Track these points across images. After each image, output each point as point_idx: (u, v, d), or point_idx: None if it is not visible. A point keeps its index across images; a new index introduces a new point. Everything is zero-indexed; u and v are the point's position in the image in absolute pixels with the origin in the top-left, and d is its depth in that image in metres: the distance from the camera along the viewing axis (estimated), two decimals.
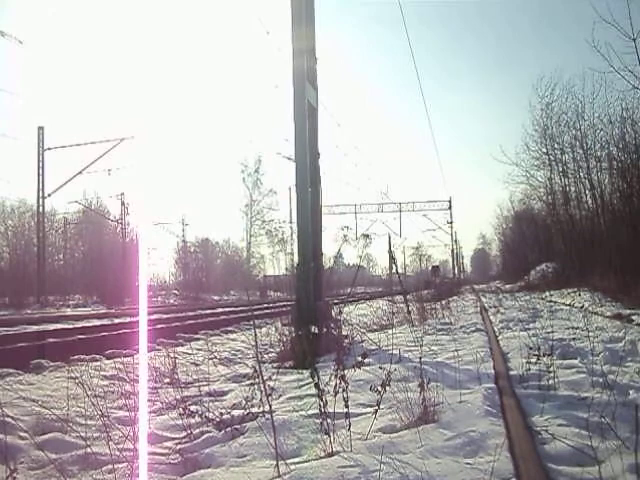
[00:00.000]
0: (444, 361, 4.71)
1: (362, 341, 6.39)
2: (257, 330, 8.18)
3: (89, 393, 3.57)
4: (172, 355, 5.17)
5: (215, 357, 6.05)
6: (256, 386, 2.79)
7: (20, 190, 55.95)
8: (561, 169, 26.41)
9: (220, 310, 17.31)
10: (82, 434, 2.89)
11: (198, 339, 8.47)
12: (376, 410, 2.74)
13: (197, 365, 5.60)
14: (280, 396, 3.80)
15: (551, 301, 15.85)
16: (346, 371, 2.72)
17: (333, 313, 6.32)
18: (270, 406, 2.55)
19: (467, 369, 4.23)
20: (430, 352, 5.40)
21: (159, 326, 9.76)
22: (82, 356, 6.26)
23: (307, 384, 3.96)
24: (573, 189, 25.84)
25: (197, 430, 3.04)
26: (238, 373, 4.91)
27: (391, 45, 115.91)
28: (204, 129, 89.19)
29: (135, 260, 29.87)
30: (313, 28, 6.90)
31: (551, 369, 3.74)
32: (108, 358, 6.19)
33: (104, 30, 69.33)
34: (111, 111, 78.73)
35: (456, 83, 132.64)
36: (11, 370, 5.38)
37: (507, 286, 33.00)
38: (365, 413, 3.12)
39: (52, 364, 5.93)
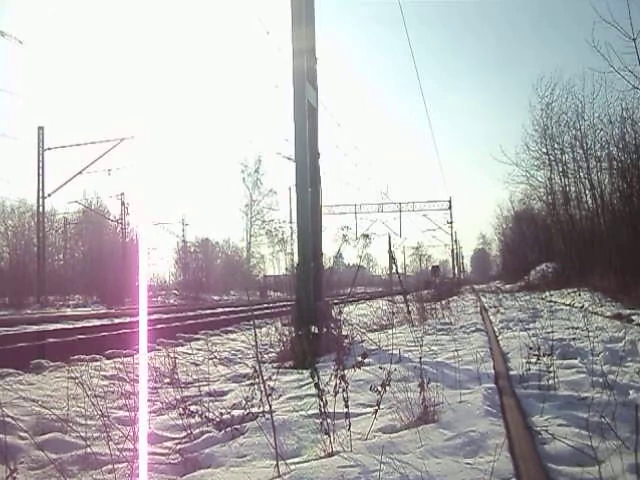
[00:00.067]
0: (444, 361, 4.71)
1: (362, 341, 6.39)
2: (257, 330, 8.18)
3: (89, 393, 3.57)
4: (172, 355, 5.17)
5: (215, 357, 6.05)
6: (256, 386, 2.79)
7: (20, 190, 56.03)
8: (561, 169, 26.44)
9: (220, 310, 17.31)
10: (82, 434, 2.89)
11: (198, 339, 8.47)
12: (376, 410, 2.74)
13: (197, 365, 5.60)
14: (280, 396, 3.80)
15: (551, 301, 15.85)
16: (346, 371, 2.72)
17: (333, 313, 6.32)
18: (270, 406, 2.55)
19: (467, 369, 4.23)
20: (430, 352, 5.40)
21: (159, 326, 9.76)
22: (82, 356, 6.26)
23: (307, 384, 3.96)
24: (573, 189, 25.89)
25: (197, 430, 3.04)
26: (238, 373, 4.92)
27: (391, 45, 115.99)
28: (204, 129, 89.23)
29: (135, 260, 29.88)
30: (313, 28, 6.90)
31: (551, 369, 3.74)
32: (108, 358, 6.19)
33: (104, 30, 69.38)
34: (111, 111, 78.79)
35: (456, 83, 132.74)
36: (11, 370, 5.38)
37: (507, 286, 33.00)
38: (365, 413, 3.12)
39: (52, 364, 5.93)
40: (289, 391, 3.98)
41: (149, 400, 3.84)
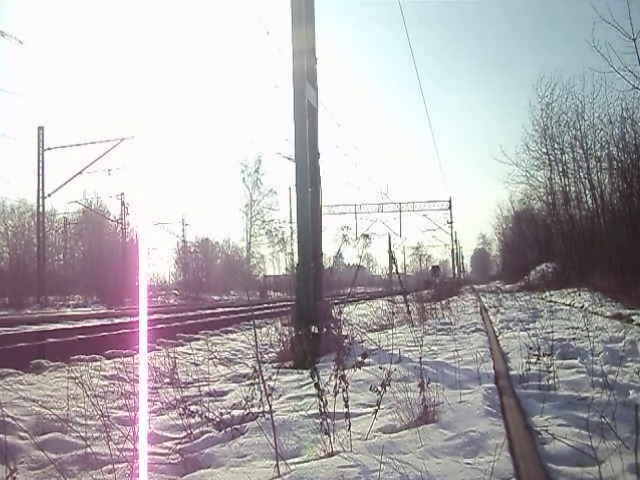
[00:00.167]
0: (444, 361, 4.71)
1: (362, 341, 6.38)
2: (257, 330, 8.18)
3: (89, 393, 3.57)
4: (172, 355, 5.17)
5: (215, 357, 6.05)
6: (256, 386, 2.79)
7: (20, 190, 56.02)
8: (561, 169, 26.45)
9: (220, 310, 17.31)
10: (82, 434, 2.89)
11: (198, 339, 8.47)
12: (376, 410, 2.74)
13: (197, 365, 5.59)
14: (280, 396, 3.80)
15: (551, 301, 15.85)
16: (346, 371, 2.72)
17: (333, 313, 6.32)
18: (270, 406, 2.55)
19: (467, 369, 4.23)
20: (430, 352, 5.40)
21: (159, 326, 9.76)
22: (82, 356, 6.26)
23: (307, 384, 3.97)
24: (573, 189, 25.90)
25: (197, 430, 3.04)
26: (238, 373, 4.91)
27: (391, 45, 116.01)
28: (204, 129, 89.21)
29: (135, 260, 29.88)
30: (313, 28, 6.90)
31: (551, 369, 3.74)
32: (108, 358, 6.19)
33: (104, 30, 69.38)
34: (111, 111, 78.78)
35: (456, 83, 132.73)
36: (11, 370, 5.38)
37: (507, 286, 32.99)
38: (365, 413, 3.12)
39: (52, 364, 5.93)
40: (289, 391, 3.98)
41: (149, 400, 3.84)
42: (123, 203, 34.21)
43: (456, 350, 5.20)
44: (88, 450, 2.60)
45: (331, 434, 2.55)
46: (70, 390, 3.79)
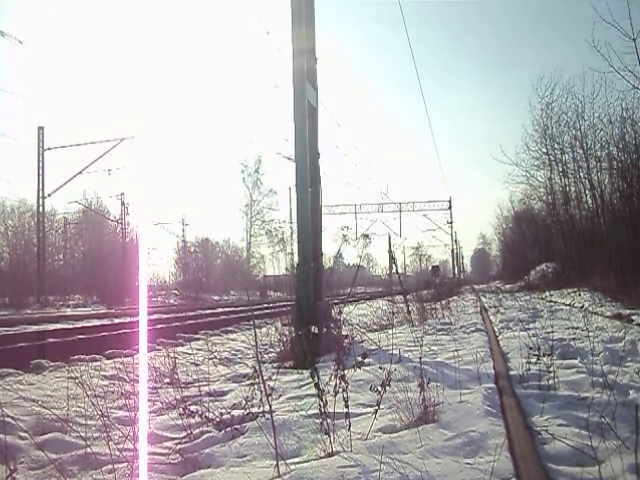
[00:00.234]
0: (444, 361, 4.72)
1: (362, 341, 6.39)
2: (257, 330, 8.18)
3: (89, 393, 3.57)
4: (172, 355, 5.17)
5: (215, 357, 6.05)
6: (256, 386, 2.79)
7: (20, 190, 56.01)
8: (561, 169, 26.46)
9: (220, 310, 17.31)
10: (82, 434, 2.89)
11: (198, 339, 8.47)
12: (376, 410, 2.74)
13: (197, 365, 5.60)
14: (280, 396, 3.80)
15: (551, 301, 15.86)
16: (346, 371, 2.72)
17: (333, 313, 6.32)
18: (270, 406, 2.55)
19: (467, 369, 4.24)
20: (430, 352, 5.40)
21: (159, 326, 9.76)
22: (82, 356, 6.26)
23: (307, 384, 3.97)
24: (573, 189, 25.90)
25: (197, 430, 3.04)
26: (238, 373, 4.91)
27: (391, 45, 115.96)
28: (204, 129, 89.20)
29: (135, 260, 29.88)
30: (313, 28, 6.90)
31: (551, 369, 3.74)
32: (108, 358, 6.19)
33: (104, 30, 69.38)
34: (111, 111, 78.77)
35: (456, 83, 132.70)
36: (11, 370, 5.38)
37: (507, 286, 33.00)
38: (365, 413, 3.12)
39: (52, 364, 5.93)
40: (289, 391, 3.98)
41: (149, 400, 3.84)
42: (123, 203, 34.24)
43: (456, 350, 5.20)
44: (88, 450, 2.60)
45: (331, 434, 2.55)
46: (70, 390, 3.79)
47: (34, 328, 10.33)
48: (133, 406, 3.34)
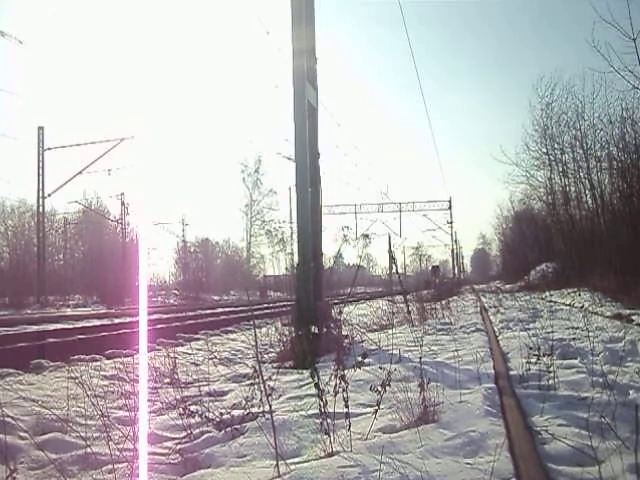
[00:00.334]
0: (444, 361, 4.71)
1: (362, 341, 6.39)
2: (257, 330, 8.18)
3: (89, 393, 3.57)
4: (172, 355, 5.17)
5: (215, 357, 6.05)
6: (256, 386, 2.79)
7: (20, 190, 55.98)
8: (561, 169, 26.46)
9: (220, 310, 17.31)
10: (82, 434, 2.89)
11: (198, 339, 8.47)
12: (376, 410, 2.74)
13: (197, 365, 5.60)
14: (280, 396, 3.80)
15: (551, 301, 15.86)
16: (346, 371, 2.72)
17: (333, 313, 6.32)
18: (270, 406, 2.55)
19: (467, 369, 4.24)
20: (430, 352, 5.40)
21: (159, 326, 9.76)
22: (82, 356, 6.26)
23: (307, 384, 3.97)
24: (573, 189, 25.91)
25: (197, 430, 3.04)
26: (238, 373, 4.91)
27: (391, 45, 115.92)
28: (204, 129, 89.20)
29: (135, 260, 29.87)
30: (313, 28, 6.90)
31: (551, 369, 3.74)
32: (108, 358, 6.19)
33: (104, 30, 69.38)
34: (111, 111, 78.77)
35: (456, 83, 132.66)
36: (11, 370, 5.38)
37: (507, 286, 33.00)
38: (365, 413, 3.12)
39: (52, 364, 5.93)
40: (289, 391, 3.98)
41: (149, 400, 3.84)
42: (123, 203, 34.24)
43: (456, 350, 5.20)
44: (88, 450, 2.60)
45: (331, 434, 2.55)
46: (70, 390, 3.79)
47: (34, 328, 10.33)
48: (133, 406, 3.34)
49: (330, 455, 2.46)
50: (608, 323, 8.09)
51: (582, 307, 12.33)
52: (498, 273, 63.74)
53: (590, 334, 5.68)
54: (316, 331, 5.75)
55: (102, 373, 4.90)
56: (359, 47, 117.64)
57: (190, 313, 15.57)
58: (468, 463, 2.25)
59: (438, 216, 42.19)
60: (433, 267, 38.68)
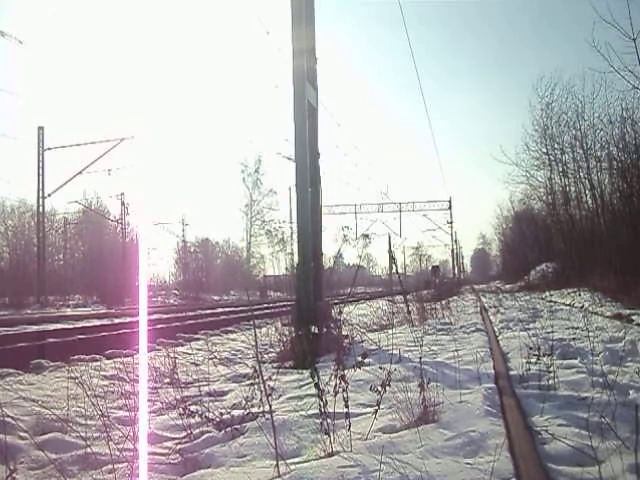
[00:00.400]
0: (444, 361, 4.71)
1: (362, 341, 6.39)
2: (257, 330, 8.18)
3: (89, 393, 3.57)
4: (172, 355, 5.17)
5: (215, 357, 6.05)
6: (256, 386, 2.79)
7: (20, 190, 56.01)
8: (561, 169, 26.47)
9: (220, 310, 17.31)
10: (82, 434, 2.89)
11: (198, 339, 8.47)
12: (376, 410, 2.74)
13: (197, 365, 5.60)
14: (280, 396, 3.80)
15: (551, 301, 15.86)
16: (346, 371, 2.72)
17: (333, 313, 6.32)
18: (270, 406, 2.55)
19: (467, 369, 4.23)
20: (430, 352, 5.40)
21: (159, 326, 9.76)
22: (82, 356, 6.26)
23: (307, 384, 3.97)
24: (573, 189, 25.92)
25: (197, 430, 3.04)
26: (238, 373, 4.91)
27: (391, 45, 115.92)
28: (204, 129, 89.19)
29: (135, 260, 29.87)
30: (313, 28, 6.90)
31: (551, 369, 3.74)
32: (108, 358, 6.19)
33: (104, 30, 69.37)
34: (111, 111, 78.77)
35: (456, 83, 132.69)
36: (11, 370, 5.38)
37: (507, 286, 33.01)
38: (365, 413, 3.12)
39: (52, 364, 5.93)
40: (289, 391, 3.98)
41: (149, 400, 3.84)
42: (123, 203, 34.24)
43: (456, 350, 5.20)
44: (88, 450, 2.60)
45: (331, 434, 2.55)
46: (70, 390, 3.79)
47: (34, 328, 10.33)
48: (133, 406, 3.34)
49: (330, 455, 2.46)
50: (608, 323, 8.09)
51: (582, 307, 12.33)
52: (498, 273, 63.75)
53: (590, 334, 5.68)
54: (316, 331, 5.75)
55: (102, 373, 4.90)
56: (359, 47, 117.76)
57: (190, 313, 15.56)
58: (468, 463, 2.25)
59: (438, 216, 42.23)
60: (433, 267, 38.67)
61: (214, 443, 2.82)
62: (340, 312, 6.22)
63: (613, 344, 5.49)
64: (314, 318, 5.85)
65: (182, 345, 7.58)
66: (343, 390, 2.65)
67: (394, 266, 15.70)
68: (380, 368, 3.42)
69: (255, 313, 14.38)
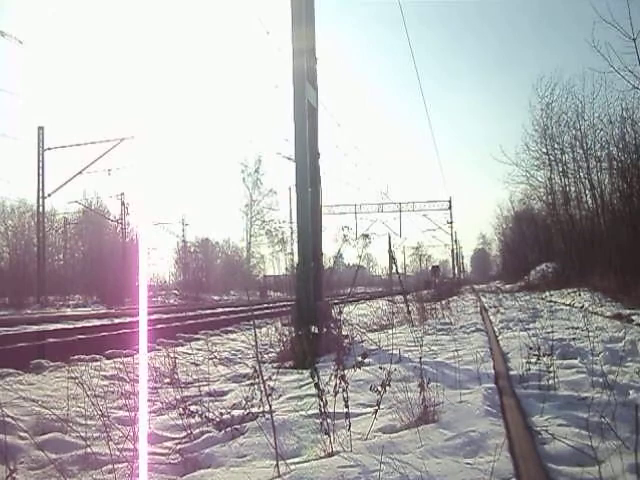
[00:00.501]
0: (444, 361, 4.71)
1: (362, 341, 6.39)
2: (257, 330, 8.18)
3: (89, 393, 3.57)
4: (172, 355, 5.17)
5: (215, 357, 6.05)
6: (256, 386, 2.79)
7: (20, 190, 56.01)
8: (561, 169, 26.46)
9: (220, 310, 17.31)
10: (82, 434, 2.89)
11: (198, 339, 8.47)
12: (376, 410, 2.74)
13: (197, 365, 5.59)
14: (280, 396, 3.80)
15: (551, 301, 15.86)
16: (346, 371, 2.72)
17: (333, 313, 6.32)
18: (270, 406, 2.55)
19: (467, 369, 4.23)
20: (430, 352, 5.40)
21: (159, 326, 9.76)
22: (82, 356, 6.25)
23: (307, 384, 3.97)
24: (573, 189, 25.92)
25: (197, 430, 3.04)
26: (238, 373, 4.91)
27: (391, 45, 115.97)
28: (204, 129, 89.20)
29: (135, 260, 29.88)
30: (313, 28, 6.90)
31: (551, 369, 3.74)
32: (108, 358, 6.19)
33: (104, 30, 69.37)
34: (111, 111, 78.77)
35: (456, 83, 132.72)
36: (11, 370, 5.38)
37: (507, 286, 33.01)
38: (365, 413, 3.12)
39: (52, 364, 5.93)
40: (289, 391, 3.98)
41: (149, 400, 3.84)
42: (123, 203, 34.24)
43: (456, 350, 5.20)
44: (88, 450, 2.60)
45: (331, 434, 2.55)
46: (70, 390, 3.79)
47: (34, 328, 10.33)
48: (133, 406, 3.34)
49: (330, 455, 2.46)
50: (608, 323, 8.09)
51: (582, 307, 12.33)
52: (498, 273, 63.75)
53: (590, 334, 5.68)
54: (316, 331, 5.75)
55: (102, 373, 4.90)
56: (359, 47, 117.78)
57: (190, 313, 15.56)
58: (468, 463, 2.25)
59: (438, 216, 42.24)
60: (433, 267, 38.68)
61: (214, 443, 2.82)
62: (340, 312, 6.22)
63: (613, 344, 5.49)
64: (314, 318, 5.85)
65: (182, 345, 7.58)
66: (343, 390, 2.65)
67: (394, 266, 15.70)
68: (380, 368, 3.41)
69: (255, 313, 14.38)
